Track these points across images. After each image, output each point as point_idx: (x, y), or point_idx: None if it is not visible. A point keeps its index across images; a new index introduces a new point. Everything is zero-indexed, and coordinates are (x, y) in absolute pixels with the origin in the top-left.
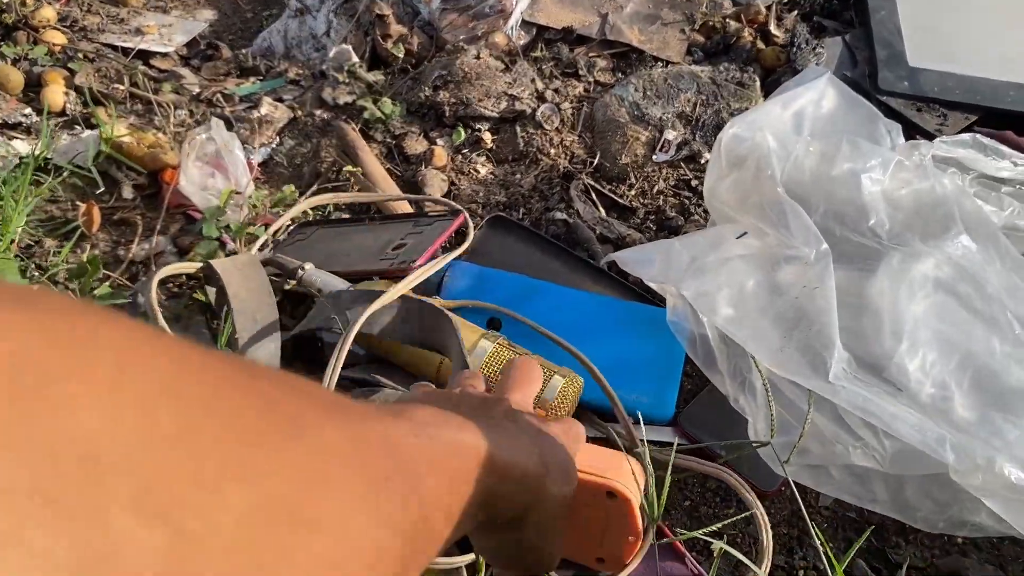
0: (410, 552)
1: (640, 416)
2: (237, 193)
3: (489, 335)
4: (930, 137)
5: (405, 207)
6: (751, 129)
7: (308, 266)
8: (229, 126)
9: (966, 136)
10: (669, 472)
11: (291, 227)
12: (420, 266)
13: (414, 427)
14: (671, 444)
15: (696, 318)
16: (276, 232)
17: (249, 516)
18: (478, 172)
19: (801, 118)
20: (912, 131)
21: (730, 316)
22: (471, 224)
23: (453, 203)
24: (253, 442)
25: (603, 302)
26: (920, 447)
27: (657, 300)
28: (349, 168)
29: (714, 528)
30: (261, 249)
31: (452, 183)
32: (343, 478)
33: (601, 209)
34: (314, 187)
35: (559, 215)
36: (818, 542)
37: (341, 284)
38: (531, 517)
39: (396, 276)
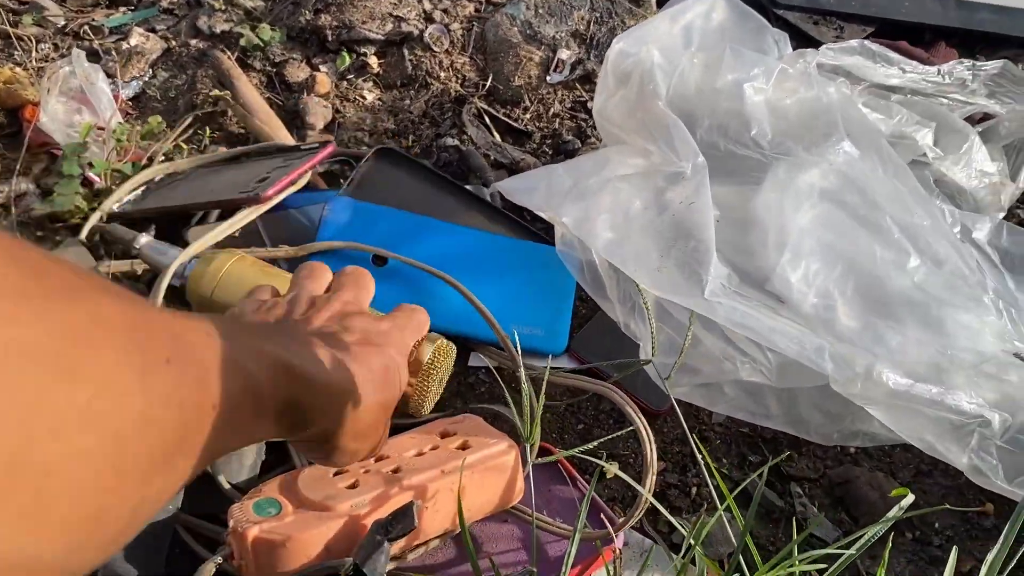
0: (183, 431)
1: (535, 350)
2: (100, 128)
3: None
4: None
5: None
6: (637, 45)
7: (143, 238)
8: (96, 59)
9: (854, 43)
10: (543, 389)
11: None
12: (268, 197)
13: (209, 327)
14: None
15: (583, 246)
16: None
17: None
18: (364, 99)
19: (690, 32)
20: (810, 44)
21: (610, 240)
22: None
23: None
24: (16, 295)
25: (493, 240)
26: (799, 359)
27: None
28: (216, 92)
29: (592, 446)
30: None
31: (337, 111)
32: (115, 345)
33: (495, 134)
34: (188, 119)
35: (451, 141)
36: (702, 463)
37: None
38: (345, 427)
39: (245, 204)
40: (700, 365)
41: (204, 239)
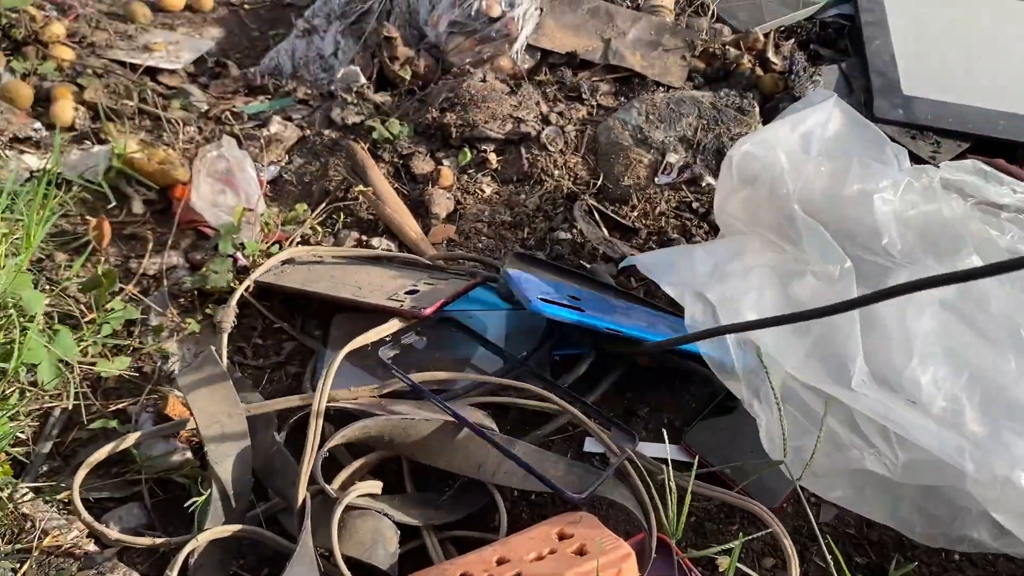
0: None
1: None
2: (249, 211)
3: None
4: (924, 163)
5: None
6: (763, 148)
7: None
8: (239, 144)
9: (967, 162)
10: (688, 496)
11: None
12: (429, 315)
13: None
14: (684, 465)
15: (715, 323)
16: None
17: None
18: (483, 192)
19: (809, 139)
20: (909, 158)
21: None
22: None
23: (484, 258)
24: None
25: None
26: (939, 455)
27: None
28: (359, 189)
29: (733, 546)
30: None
31: (458, 202)
32: None
33: (604, 229)
34: (323, 204)
35: (563, 235)
36: (829, 556)
37: None
38: None
39: (404, 316)
40: (818, 455)
41: (359, 339)
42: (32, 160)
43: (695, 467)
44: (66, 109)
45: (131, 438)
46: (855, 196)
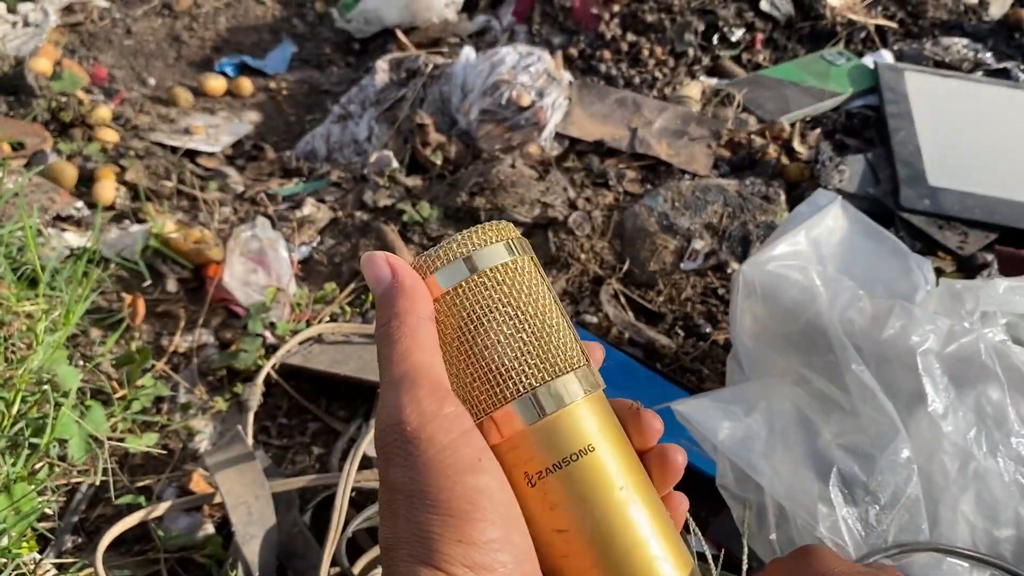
0: None
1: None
2: (280, 290)
3: None
4: (951, 253)
5: None
6: (794, 271)
7: None
8: (273, 225)
9: (1000, 285)
10: None
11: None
12: None
13: None
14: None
15: (756, 488)
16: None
17: None
18: None
19: (819, 246)
20: (934, 248)
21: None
22: None
23: None
24: None
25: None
26: None
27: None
28: None
29: None
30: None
31: None
32: None
33: (630, 313)
34: (352, 284)
35: (590, 318)
36: None
37: None
38: None
39: None
40: None
41: None
42: (73, 238)
43: (721, 558)
44: (108, 189)
45: (161, 507)
46: (895, 341)
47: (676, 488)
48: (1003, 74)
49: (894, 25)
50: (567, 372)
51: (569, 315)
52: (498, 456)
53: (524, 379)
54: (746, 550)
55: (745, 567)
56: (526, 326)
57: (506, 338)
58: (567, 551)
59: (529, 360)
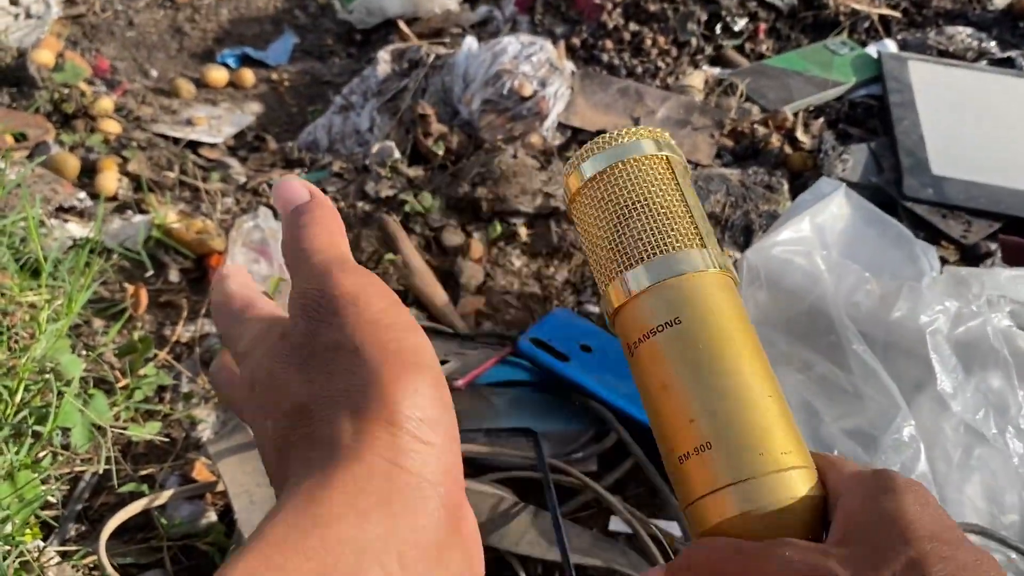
0: None
1: None
2: (283, 280)
3: None
4: (954, 242)
5: (439, 307)
6: (798, 256)
7: None
8: (275, 215)
9: (1003, 273)
10: None
11: None
12: (461, 387)
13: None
14: None
15: None
16: None
17: None
18: (513, 264)
19: (824, 233)
20: (937, 237)
21: None
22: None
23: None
24: None
25: None
26: None
27: None
28: (390, 257)
29: None
30: None
31: (487, 275)
32: None
33: None
34: None
35: (592, 308)
36: None
37: None
38: None
39: None
40: None
41: None
42: (75, 229)
43: None
44: (110, 180)
45: (164, 495)
46: (903, 322)
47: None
48: (1007, 63)
49: (898, 14)
50: (685, 249)
51: (571, 304)
52: (619, 324)
53: (647, 249)
54: None
55: None
56: (654, 210)
57: (636, 218)
58: (671, 408)
59: (646, 238)
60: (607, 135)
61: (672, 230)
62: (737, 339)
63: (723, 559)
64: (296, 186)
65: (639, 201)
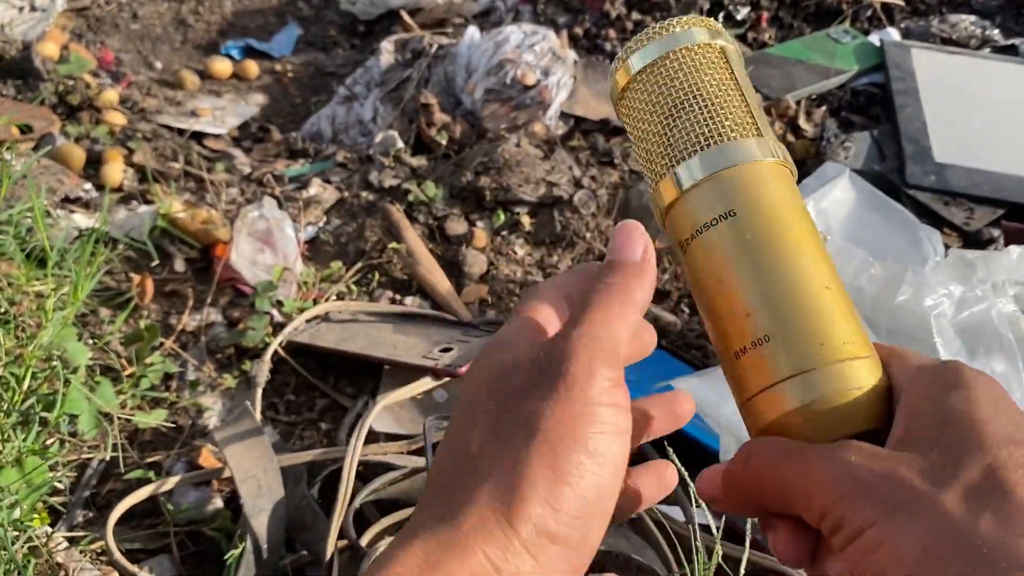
0: None
1: None
2: (287, 270)
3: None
4: (957, 229)
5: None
6: None
7: None
8: (279, 205)
9: (1014, 252)
10: (716, 557)
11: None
12: (463, 375)
13: None
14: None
15: None
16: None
17: None
18: (516, 253)
19: (828, 217)
20: (940, 224)
21: None
22: None
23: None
24: None
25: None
26: None
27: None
28: (394, 245)
29: None
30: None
31: (491, 263)
32: None
33: None
34: (358, 264)
35: None
36: None
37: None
38: None
39: (439, 375)
40: None
41: (392, 395)
42: (81, 219)
43: (721, 528)
44: (115, 171)
45: (171, 481)
46: (909, 306)
47: (682, 462)
48: (1011, 51)
49: (900, 2)
50: (740, 139)
51: None
52: (671, 222)
53: (701, 140)
54: (749, 522)
55: (748, 538)
56: (708, 100)
57: (690, 109)
58: (726, 302)
59: (699, 129)
60: (657, 25)
61: (728, 119)
62: (795, 229)
63: (783, 458)
64: (636, 237)
65: (693, 92)
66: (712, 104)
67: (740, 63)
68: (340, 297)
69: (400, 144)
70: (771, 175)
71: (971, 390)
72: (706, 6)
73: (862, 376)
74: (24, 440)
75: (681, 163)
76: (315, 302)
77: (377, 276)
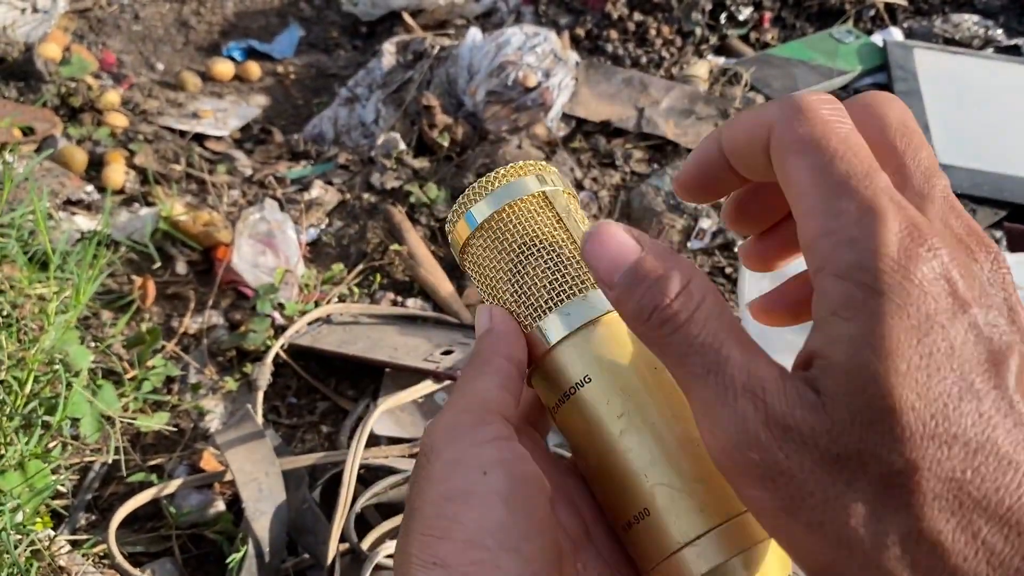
0: None
1: None
2: (289, 272)
3: None
4: None
5: (443, 293)
6: None
7: None
8: (281, 207)
9: (1008, 260)
10: None
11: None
12: None
13: None
14: None
15: None
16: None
17: None
18: None
19: None
20: None
21: None
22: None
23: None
24: None
25: None
26: None
27: None
28: (395, 247)
29: None
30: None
31: None
32: None
33: None
34: (360, 266)
35: None
36: None
37: None
38: None
39: (440, 378)
40: None
41: (393, 398)
42: (83, 221)
43: None
44: (117, 173)
45: (173, 484)
46: None
47: None
48: (1014, 51)
49: (903, 2)
50: (591, 290)
51: None
52: (538, 379)
53: (552, 295)
54: None
55: None
56: (550, 252)
57: (528, 266)
58: (602, 474)
59: (548, 283)
60: (487, 178)
61: (570, 272)
62: (648, 382)
63: None
64: (482, 313)
65: (545, 242)
66: (566, 253)
67: (572, 203)
68: (342, 299)
69: (402, 146)
70: (618, 324)
71: (884, 320)
72: (708, 7)
73: (754, 531)
74: (26, 444)
75: (544, 317)
76: (317, 304)
77: (379, 278)
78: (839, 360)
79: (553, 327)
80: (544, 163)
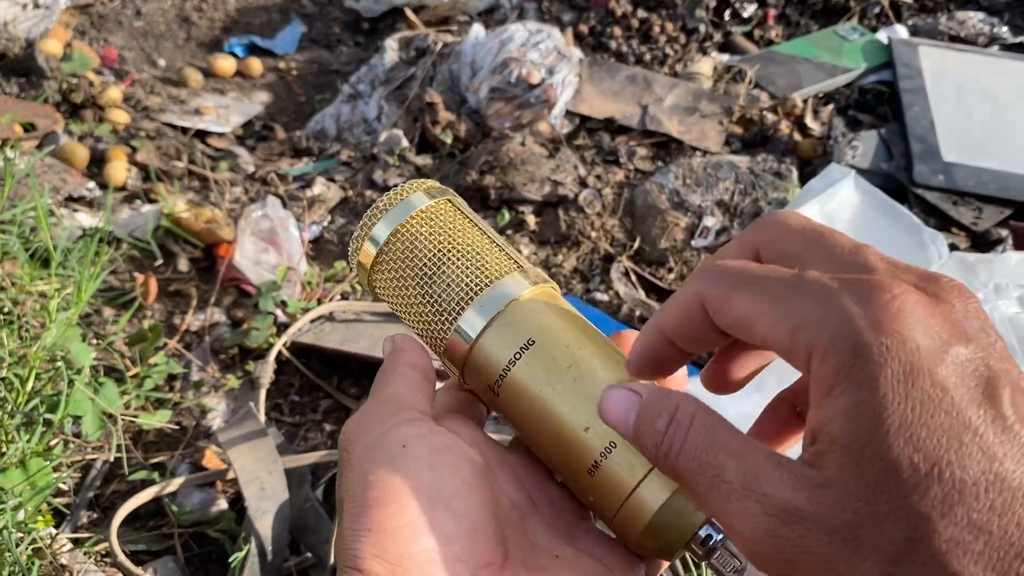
0: None
1: None
2: (291, 269)
3: None
4: (965, 229)
5: None
6: None
7: None
8: (283, 204)
9: (1013, 258)
10: None
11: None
12: None
13: None
14: None
15: None
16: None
17: None
18: (521, 252)
19: (832, 220)
20: (948, 223)
21: None
22: None
23: None
24: None
25: None
26: None
27: None
28: None
29: None
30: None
31: None
32: None
33: (640, 291)
34: None
35: (600, 296)
36: None
37: None
38: None
39: (442, 375)
40: None
41: None
42: (85, 218)
43: None
44: (119, 170)
45: (175, 482)
46: None
47: None
48: (1019, 48)
49: None
50: (506, 276)
51: (580, 293)
52: (471, 374)
53: (468, 291)
54: None
55: None
56: (457, 254)
57: (445, 267)
58: (558, 426)
59: (464, 280)
60: (380, 201)
61: (487, 262)
62: (588, 337)
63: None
64: (386, 343)
65: (444, 248)
66: (468, 253)
67: (468, 209)
68: (344, 297)
69: (405, 143)
70: (546, 297)
71: (876, 372)
72: (712, 4)
73: None
74: (28, 441)
75: (459, 317)
76: (319, 302)
77: None
78: (836, 435)
79: (472, 319)
80: (428, 180)
